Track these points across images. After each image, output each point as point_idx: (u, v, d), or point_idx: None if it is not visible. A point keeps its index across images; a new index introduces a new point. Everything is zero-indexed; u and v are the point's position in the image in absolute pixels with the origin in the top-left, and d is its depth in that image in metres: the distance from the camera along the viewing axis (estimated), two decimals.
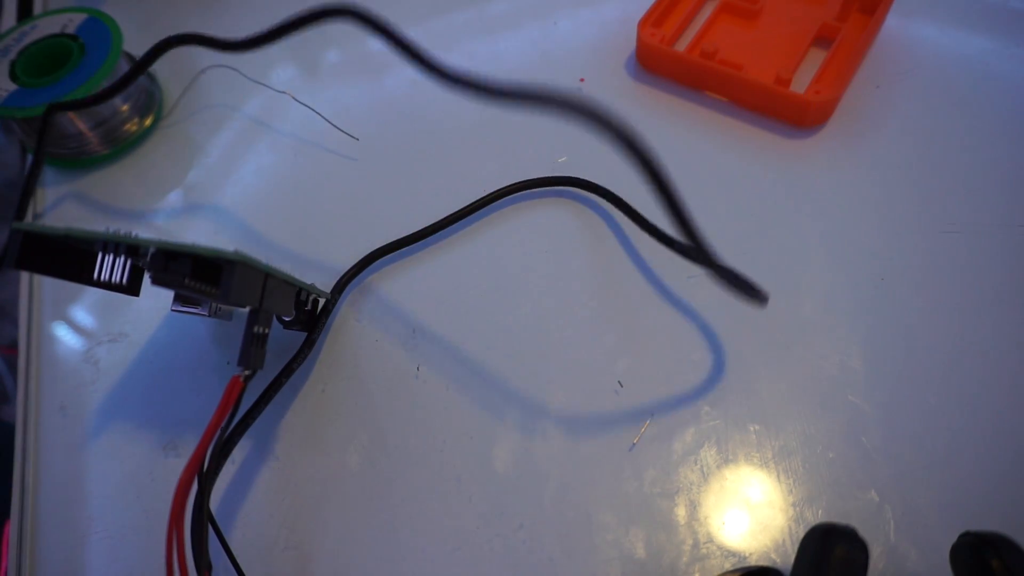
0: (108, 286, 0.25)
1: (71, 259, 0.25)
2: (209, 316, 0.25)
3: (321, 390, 0.29)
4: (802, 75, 0.34)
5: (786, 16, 0.37)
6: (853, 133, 0.34)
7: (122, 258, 0.24)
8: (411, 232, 0.32)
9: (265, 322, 0.24)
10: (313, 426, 0.28)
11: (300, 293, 0.27)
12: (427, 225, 0.32)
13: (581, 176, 0.33)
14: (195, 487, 0.23)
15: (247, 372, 0.23)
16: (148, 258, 0.23)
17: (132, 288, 0.25)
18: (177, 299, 0.25)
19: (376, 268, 0.32)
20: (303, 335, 0.29)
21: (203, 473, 0.23)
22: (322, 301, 0.30)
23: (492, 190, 0.33)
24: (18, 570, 0.26)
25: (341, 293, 0.30)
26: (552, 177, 0.33)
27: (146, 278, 0.25)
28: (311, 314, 0.29)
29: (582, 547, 0.25)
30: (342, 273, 0.31)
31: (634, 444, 0.27)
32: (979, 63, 0.35)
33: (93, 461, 0.28)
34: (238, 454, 0.28)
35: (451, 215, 0.32)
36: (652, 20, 0.36)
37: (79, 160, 0.36)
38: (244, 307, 0.24)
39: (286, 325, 0.28)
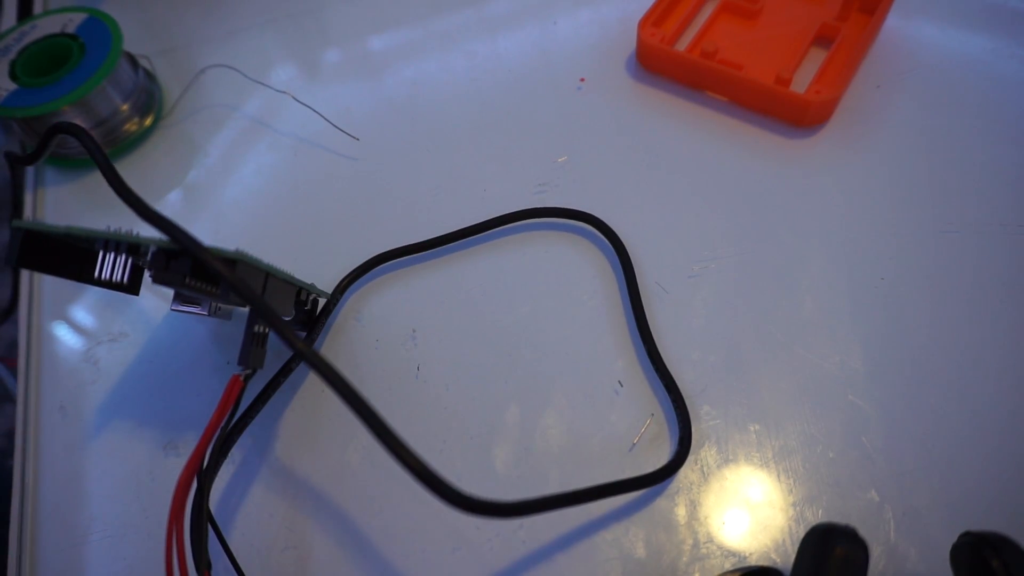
0: (109, 284, 0.25)
1: (72, 258, 0.25)
2: (209, 315, 0.25)
3: (321, 389, 0.29)
4: (802, 75, 0.34)
5: (786, 16, 0.37)
6: (853, 133, 0.34)
7: (123, 256, 0.24)
8: (415, 239, 0.32)
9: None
10: (313, 426, 0.28)
11: (300, 293, 0.27)
12: (434, 236, 0.32)
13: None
14: (195, 485, 0.23)
15: (247, 371, 0.24)
16: (149, 257, 0.23)
17: (132, 287, 0.25)
18: (177, 298, 0.25)
19: (381, 271, 0.32)
20: (302, 335, 0.29)
21: (202, 471, 0.23)
22: (322, 301, 0.30)
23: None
24: (18, 570, 0.26)
25: (343, 294, 0.30)
26: (566, 210, 0.32)
27: (146, 277, 0.25)
28: (310, 314, 0.29)
29: (582, 547, 0.25)
30: (340, 273, 0.31)
31: (634, 444, 0.27)
32: (979, 63, 0.35)
33: (93, 461, 0.28)
34: (238, 454, 0.28)
35: (460, 231, 0.32)
36: (652, 20, 0.36)
37: (80, 160, 0.36)
38: (244, 306, 0.24)
39: None
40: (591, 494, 0.22)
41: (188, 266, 0.22)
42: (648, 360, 0.28)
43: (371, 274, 0.32)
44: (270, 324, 0.20)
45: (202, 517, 0.23)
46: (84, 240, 0.24)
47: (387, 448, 0.18)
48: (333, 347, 0.30)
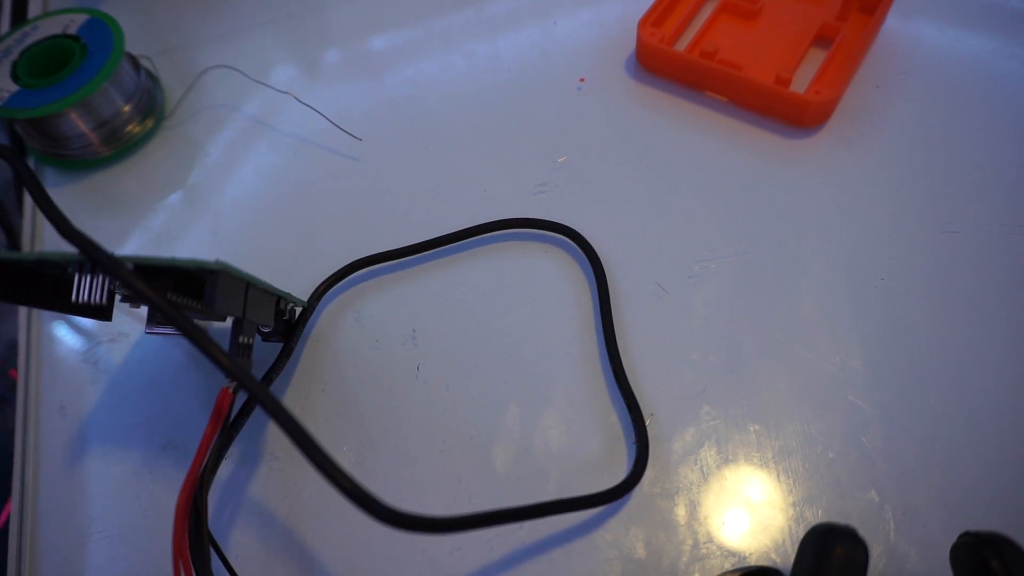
0: (85, 310, 0.24)
1: (45, 284, 0.24)
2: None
3: (321, 390, 0.29)
4: (802, 75, 0.34)
5: (786, 16, 0.37)
6: (853, 133, 0.34)
7: (99, 278, 0.23)
8: (414, 239, 0.32)
9: (249, 332, 0.24)
10: (313, 426, 0.28)
11: (279, 303, 0.27)
12: (420, 241, 0.31)
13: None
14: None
15: (235, 383, 0.23)
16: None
17: (108, 311, 0.24)
18: (151, 320, 0.24)
19: (378, 273, 0.32)
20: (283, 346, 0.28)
21: (199, 491, 0.23)
22: (299, 310, 0.29)
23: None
24: (18, 570, 0.26)
25: (319, 301, 0.30)
26: (545, 222, 0.31)
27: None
28: (288, 323, 0.28)
29: (582, 547, 0.25)
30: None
31: (634, 444, 0.27)
32: (979, 63, 0.35)
33: (93, 461, 0.28)
34: (238, 454, 0.28)
35: (448, 235, 0.31)
36: (652, 20, 0.36)
37: (81, 161, 0.36)
38: (226, 319, 0.23)
39: (265, 337, 0.28)
40: (534, 511, 0.22)
41: (170, 283, 0.21)
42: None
43: (366, 275, 0.32)
44: (195, 342, 0.19)
45: (202, 539, 0.22)
46: (55, 266, 0.23)
47: (316, 467, 0.18)
48: (332, 347, 0.30)
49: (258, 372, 0.27)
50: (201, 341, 0.19)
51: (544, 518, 0.23)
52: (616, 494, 0.24)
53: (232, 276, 0.22)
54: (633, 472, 0.25)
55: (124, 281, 0.19)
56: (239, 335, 0.23)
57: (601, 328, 0.29)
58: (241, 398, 0.26)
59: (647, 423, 0.27)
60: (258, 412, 0.27)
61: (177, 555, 0.21)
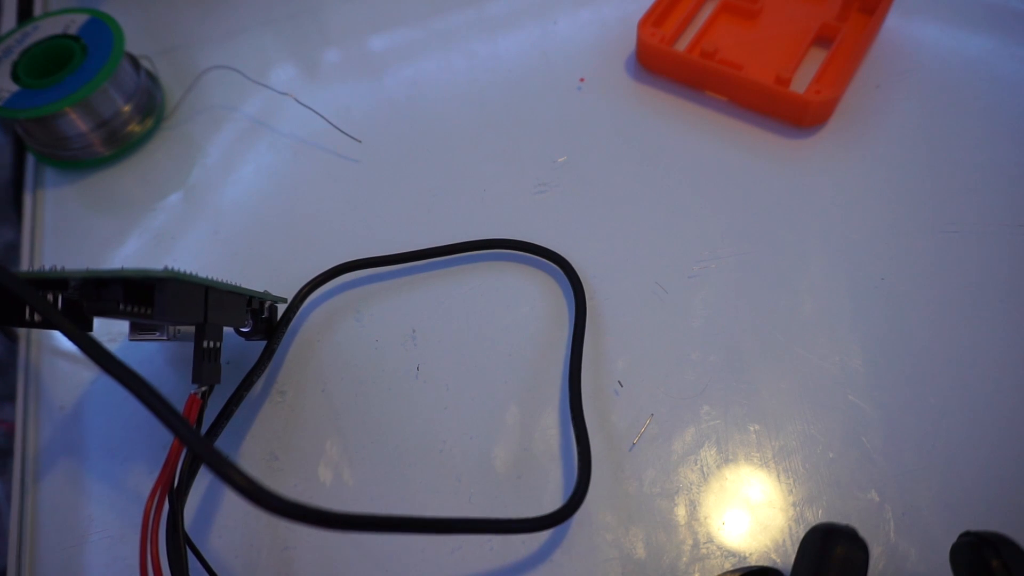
0: (49, 324, 0.23)
1: (2, 303, 0.23)
2: (169, 340, 0.24)
3: (321, 390, 0.29)
4: (802, 75, 0.34)
5: (786, 16, 0.37)
6: (853, 133, 0.34)
7: (51, 295, 0.22)
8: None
9: (215, 336, 0.24)
10: (313, 425, 0.28)
11: (251, 302, 0.26)
12: (417, 249, 0.31)
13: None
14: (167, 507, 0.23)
15: (203, 388, 0.23)
16: (79, 289, 0.22)
17: (79, 324, 0.23)
18: (133, 328, 0.24)
19: (378, 275, 0.32)
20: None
21: (173, 492, 0.23)
22: (281, 308, 0.29)
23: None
24: (18, 570, 0.26)
25: (303, 301, 0.30)
26: (534, 246, 0.31)
27: None
28: (269, 322, 0.28)
29: (582, 547, 0.25)
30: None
31: (634, 444, 0.27)
32: (980, 63, 0.35)
33: (93, 461, 0.28)
34: (237, 455, 0.28)
35: (443, 247, 0.31)
36: (652, 20, 0.36)
37: (81, 161, 0.36)
38: (186, 324, 0.23)
39: (247, 336, 0.27)
40: (450, 526, 0.20)
41: (120, 292, 0.21)
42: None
43: (371, 275, 0.32)
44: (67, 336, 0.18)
45: (178, 538, 0.22)
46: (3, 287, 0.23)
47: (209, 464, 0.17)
48: (332, 347, 0.30)
49: (240, 373, 0.27)
50: (73, 334, 0.18)
51: (460, 535, 0.23)
52: (543, 524, 0.23)
53: (183, 283, 0.21)
54: (565, 506, 0.23)
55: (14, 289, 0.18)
56: (203, 340, 0.23)
57: (570, 354, 0.28)
58: (222, 402, 0.26)
59: (647, 423, 0.27)
60: (264, 412, 0.27)
61: (144, 558, 0.21)
